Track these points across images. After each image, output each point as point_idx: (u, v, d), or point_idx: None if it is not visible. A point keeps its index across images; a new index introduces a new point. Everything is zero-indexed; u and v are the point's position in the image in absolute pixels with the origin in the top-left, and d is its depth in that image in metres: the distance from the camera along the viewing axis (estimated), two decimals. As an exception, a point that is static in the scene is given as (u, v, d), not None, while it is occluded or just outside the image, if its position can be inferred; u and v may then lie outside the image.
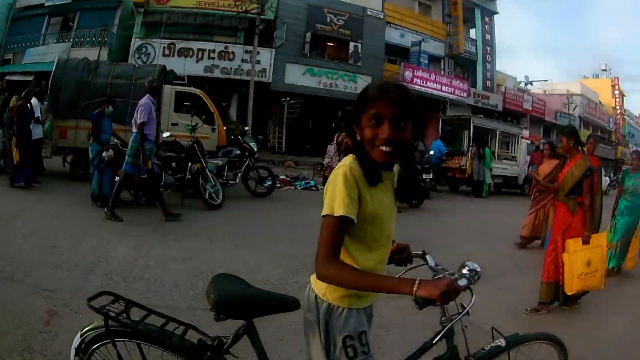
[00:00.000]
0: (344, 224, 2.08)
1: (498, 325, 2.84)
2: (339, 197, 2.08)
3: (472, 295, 2.32)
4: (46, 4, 31.98)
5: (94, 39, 29.85)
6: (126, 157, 9.61)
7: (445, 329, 2.40)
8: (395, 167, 2.35)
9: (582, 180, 6.19)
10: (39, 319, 4.62)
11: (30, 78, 25.47)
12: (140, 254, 7.29)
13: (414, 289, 1.93)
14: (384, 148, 2.10)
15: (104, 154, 10.47)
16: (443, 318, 2.44)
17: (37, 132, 13.04)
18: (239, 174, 13.41)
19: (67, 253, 7.00)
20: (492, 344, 2.73)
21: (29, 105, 12.24)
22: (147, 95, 9.69)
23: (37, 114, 13.00)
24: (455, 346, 2.51)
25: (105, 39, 29.30)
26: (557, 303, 6.32)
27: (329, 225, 2.08)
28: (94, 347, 2.51)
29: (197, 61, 28.25)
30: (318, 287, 2.30)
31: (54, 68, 14.37)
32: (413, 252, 2.73)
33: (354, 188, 2.11)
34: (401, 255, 2.70)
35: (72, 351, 2.54)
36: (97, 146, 10.65)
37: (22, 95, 12.46)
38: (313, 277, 2.33)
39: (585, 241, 5.98)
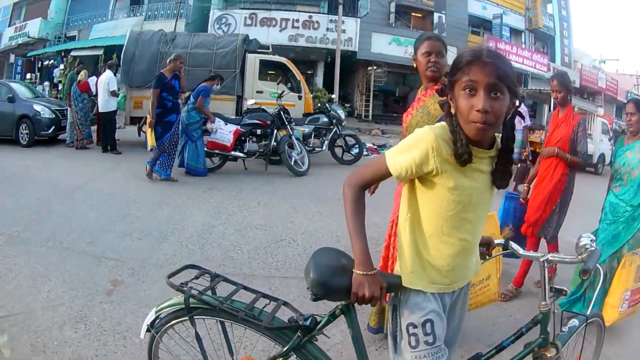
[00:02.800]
0: (388, 174, 2.06)
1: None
2: (404, 155, 2.01)
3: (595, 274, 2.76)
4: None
5: (168, 11, 29.73)
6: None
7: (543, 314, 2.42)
8: (495, 147, 2.11)
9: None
10: (100, 289, 4.46)
11: (99, 52, 26.22)
12: (219, 220, 7.09)
13: (356, 270, 2.03)
14: (479, 122, 1.87)
15: (209, 125, 10.37)
16: (543, 303, 2.44)
17: (112, 104, 12.84)
18: (326, 142, 13.01)
19: (138, 221, 6.75)
20: (569, 325, 2.72)
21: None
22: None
23: (114, 86, 12.71)
24: (549, 332, 2.45)
25: (181, 11, 29.12)
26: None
27: (379, 164, 2.09)
28: (170, 324, 2.46)
29: (280, 30, 27.87)
30: (398, 264, 2.23)
31: (126, 40, 14.59)
32: (496, 241, 2.67)
33: (427, 155, 1.95)
34: (483, 249, 2.57)
35: (144, 327, 2.49)
36: (196, 116, 10.17)
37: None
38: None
39: None
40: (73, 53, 27.35)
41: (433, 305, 2.11)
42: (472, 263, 2.25)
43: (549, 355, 2.43)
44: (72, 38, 32.78)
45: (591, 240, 2.38)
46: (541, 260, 2.46)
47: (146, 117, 11.73)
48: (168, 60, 9.41)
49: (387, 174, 2.06)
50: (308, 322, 2.21)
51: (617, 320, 4.28)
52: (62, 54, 29.18)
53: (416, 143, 1.97)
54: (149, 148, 9.34)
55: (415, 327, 2.09)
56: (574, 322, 2.75)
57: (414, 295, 2.12)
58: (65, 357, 3.39)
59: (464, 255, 2.14)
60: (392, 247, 3.65)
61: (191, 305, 2.31)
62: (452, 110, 1.96)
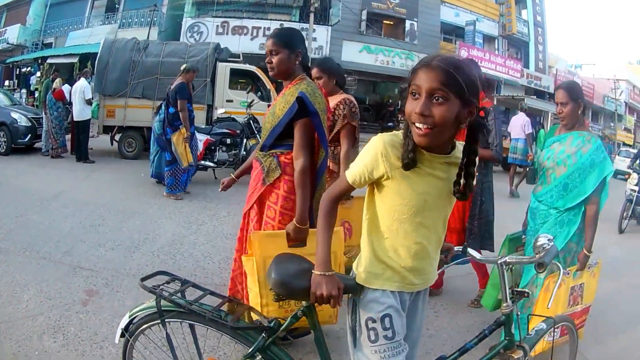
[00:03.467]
0: (351, 187, 2.19)
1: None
2: (357, 163, 2.15)
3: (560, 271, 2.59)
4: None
5: (142, 19, 29.81)
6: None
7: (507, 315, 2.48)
8: (454, 154, 2.14)
9: None
10: (76, 299, 4.54)
11: (74, 60, 26.31)
12: (190, 230, 7.25)
13: (315, 271, 2.15)
14: (418, 124, 1.93)
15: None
16: (504, 305, 2.49)
17: (87, 112, 13.01)
18: None
19: (111, 231, 6.85)
20: (537, 328, 2.81)
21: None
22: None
23: (89, 95, 12.88)
24: (513, 334, 2.51)
25: (155, 19, 29.19)
26: None
27: (342, 176, 2.24)
28: (143, 327, 2.53)
29: (252, 39, 28.03)
30: (356, 262, 2.32)
31: (100, 48, 14.59)
32: (455, 248, 2.70)
33: (377, 161, 2.07)
34: (442, 256, 2.52)
35: (119, 332, 2.55)
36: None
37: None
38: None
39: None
40: (49, 60, 27.43)
41: (391, 300, 2.16)
42: (432, 267, 2.29)
43: (515, 357, 2.48)
44: (50, 45, 32.83)
45: (548, 240, 2.45)
46: (499, 262, 2.51)
47: (116, 127, 12.05)
48: (183, 69, 9.16)
49: (349, 188, 2.18)
50: (272, 324, 2.32)
51: (547, 349, 3.38)
52: (39, 61, 29.19)
53: (367, 151, 2.08)
54: (183, 165, 9.06)
55: (374, 321, 2.15)
56: (542, 325, 2.82)
57: (372, 290, 2.17)
58: (46, 367, 3.53)
59: (420, 258, 2.17)
60: (245, 241, 3.70)
61: (162, 308, 2.40)
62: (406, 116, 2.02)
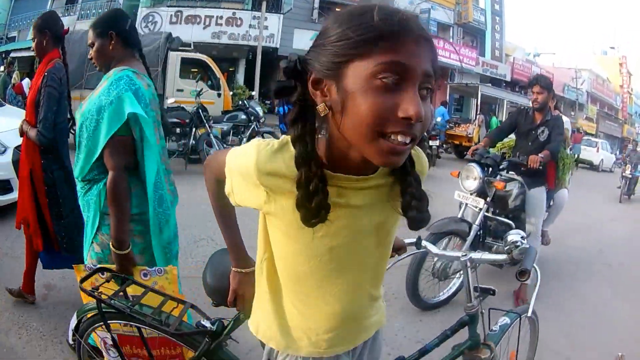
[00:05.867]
0: None
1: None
2: (229, 182, 1.52)
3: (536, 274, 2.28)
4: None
5: (100, 10, 29.21)
6: None
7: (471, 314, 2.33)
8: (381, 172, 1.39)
9: None
10: (37, 293, 4.42)
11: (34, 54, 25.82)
12: None
13: (234, 268, 1.90)
14: (400, 137, 1.14)
15: None
16: (468, 304, 2.33)
17: None
18: (244, 139, 12.95)
19: None
20: (501, 323, 2.62)
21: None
22: None
23: None
24: (478, 334, 2.34)
25: (112, 10, 28.97)
26: None
27: (221, 162, 1.54)
28: (89, 330, 2.43)
29: (204, 28, 28.08)
30: (251, 321, 1.72)
31: None
32: (407, 241, 2.33)
33: (249, 190, 1.42)
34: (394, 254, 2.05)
35: (70, 332, 2.52)
36: None
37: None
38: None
39: None
40: (12, 54, 27.11)
41: None
42: (370, 319, 1.67)
43: (482, 357, 2.29)
44: (13, 39, 32.45)
45: (522, 237, 2.25)
46: (462, 259, 2.31)
47: (73, 118, 12.23)
48: None
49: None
50: (215, 327, 2.10)
51: None
52: (3, 55, 28.89)
53: (237, 167, 1.43)
54: None
55: None
56: (505, 320, 2.64)
57: (289, 359, 1.59)
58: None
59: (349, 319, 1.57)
60: None
61: (104, 310, 2.23)
62: (323, 109, 1.21)
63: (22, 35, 31.83)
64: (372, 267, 1.54)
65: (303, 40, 29.44)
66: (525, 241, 2.23)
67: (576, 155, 28.10)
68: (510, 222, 5.47)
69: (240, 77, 29.67)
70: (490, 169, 5.38)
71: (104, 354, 2.85)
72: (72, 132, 4.19)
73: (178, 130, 11.59)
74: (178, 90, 14.94)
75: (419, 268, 4.72)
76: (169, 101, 12.42)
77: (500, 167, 5.50)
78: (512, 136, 6.19)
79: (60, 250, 3.97)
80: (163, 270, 2.71)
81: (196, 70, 16.15)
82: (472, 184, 5.26)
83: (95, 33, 2.86)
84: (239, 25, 28.64)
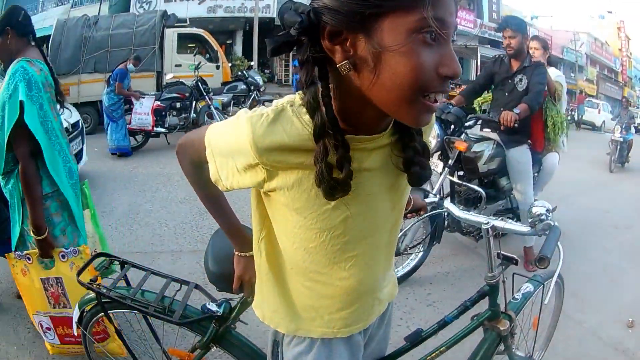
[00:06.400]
0: None
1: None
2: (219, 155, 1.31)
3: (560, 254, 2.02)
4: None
5: None
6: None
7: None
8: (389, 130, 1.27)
9: None
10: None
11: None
12: (144, 198, 7.22)
13: (237, 252, 1.75)
14: (437, 94, 1.07)
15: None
16: (489, 274, 2.14)
17: None
18: (245, 109, 12.77)
19: None
20: (524, 291, 2.46)
21: None
22: None
23: None
24: (498, 304, 2.17)
25: (105, -6, 28.85)
26: None
27: (200, 147, 1.36)
28: (93, 320, 2.40)
29: (199, 3, 27.67)
30: (255, 306, 1.62)
31: (53, 30, 14.46)
32: (428, 200, 2.28)
33: (247, 164, 1.21)
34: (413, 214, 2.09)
35: (74, 325, 2.43)
36: (115, 97, 10.30)
37: None
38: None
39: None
40: None
41: (322, 356, 1.48)
42: (384, 290, 1.59)
43: (502, 328, 2.16)
44: None
45: (547, 211, 2.05)
46: (484, 227, 2.17)
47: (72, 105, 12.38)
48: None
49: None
50: (222, 310, 2.00)
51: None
52: None
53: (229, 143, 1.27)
54: None
55: None
56: (529, 287, 2.50)
57: (297, 341, 1.49)
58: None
59: (361, 293, 1.46)
60: None
61: (103, 300, 2.17)
62: (345, 68, 1.06)
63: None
64: (387, 233, 1.43)
65: (299, 8, 29.50)
66: (551, 215, 2.04)
67: (581, 116, 28.04)
68: (479, 189, 4.77)
69: (238, 49, 29.47)
70: (452, 126, 4.82)
71: (42, 336, 3.01)
72: None
73: (178, 104, 11.55)
74: (176, 65, 14.89)
75: None
76: (167, 77, 12.56)
77: (466, 124, 4.83)
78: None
79: None
80: (77, 250, 2.79)
81: (193, 45, 16.09)
82: (429, 143, 4.72)
83: None
84: (234, -2, 28.43)
